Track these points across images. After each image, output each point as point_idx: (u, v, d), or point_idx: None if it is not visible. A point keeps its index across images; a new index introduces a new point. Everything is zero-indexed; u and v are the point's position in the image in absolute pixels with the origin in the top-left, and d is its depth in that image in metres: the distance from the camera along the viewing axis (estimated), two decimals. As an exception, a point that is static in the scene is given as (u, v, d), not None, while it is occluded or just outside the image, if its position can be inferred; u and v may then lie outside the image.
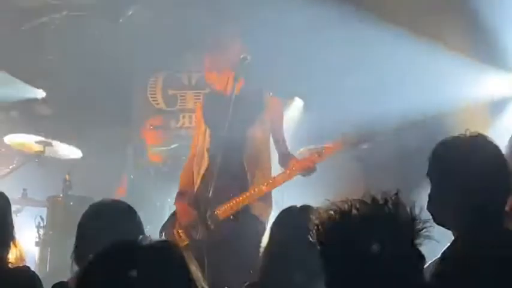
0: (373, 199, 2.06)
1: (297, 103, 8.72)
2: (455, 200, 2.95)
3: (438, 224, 3.03)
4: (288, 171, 5.58)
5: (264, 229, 5.27)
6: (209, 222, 5.23)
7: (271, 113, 5.79)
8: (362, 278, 2.01)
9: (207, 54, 5.97)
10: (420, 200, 2.37)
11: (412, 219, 2.04)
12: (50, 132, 8.48)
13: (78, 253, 3.42)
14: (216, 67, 5.81)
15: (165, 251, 2.00)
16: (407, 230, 2.04)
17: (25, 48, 9.04)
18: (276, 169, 5.82)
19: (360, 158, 7.52)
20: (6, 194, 3.96)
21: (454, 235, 2.98)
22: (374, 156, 7.38)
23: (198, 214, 5.40)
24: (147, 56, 9.15)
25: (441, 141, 3.09)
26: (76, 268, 3.35)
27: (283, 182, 5.58)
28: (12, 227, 3.64)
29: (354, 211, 2.05)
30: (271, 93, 5.90)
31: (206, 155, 5.71)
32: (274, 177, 5.62)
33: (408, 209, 2.05)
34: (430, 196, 3.05)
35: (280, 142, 5.81)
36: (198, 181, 5.72)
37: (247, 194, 5.54)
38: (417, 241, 2.05)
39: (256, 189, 5.55)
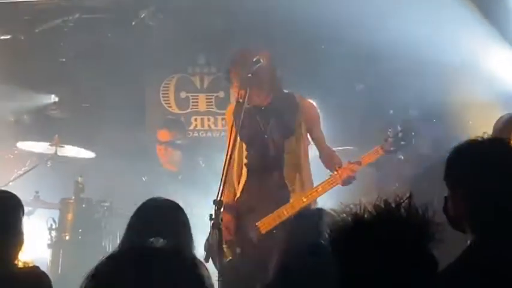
0: (386, 203, 2.05)
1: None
2: (472, 204, 2.93)
3: (454, 228, 3.02)
4: (329, 181, 5.55)
5: None
6: (251, 236, 5.16)
7: (306, 115, 5.72)
8: (375, 282, 1.99)
9: (235, 69, 5.73)
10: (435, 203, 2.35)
11: (425, 223, 2.03)
12: (62, 135, 8.50)
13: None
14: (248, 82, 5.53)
15: (176, 255, 1.99)
16: (420, 234, 2.02)
17: (38, 50, 9.04)
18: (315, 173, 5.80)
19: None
20: (19, 196, 3.96)
21: (470, 239, 2.96)
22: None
23: (239, 228, 5.33)
24: (160, 59, 9.14)
25: (458, 144, 3.06)
26: None
27: (323, 192, 5.55)
28: (22, 229, 3.63)
29: (367, 215, 2.04)
30: (303, 96, 5.85)
31: (245, 169, 5.65)
32: (314, 188, 5.58)
33: (421, 212, 2.04)
34: (446, 200, 3.03)
35: (320, 141, 5.76)
36: (238, 194, 5.68)
37: (288, 206, 5.49)
38: (430, 245, 2.03)
39: (297, 202, 5.49)
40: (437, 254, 2.08)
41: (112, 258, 2.00)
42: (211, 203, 4.63)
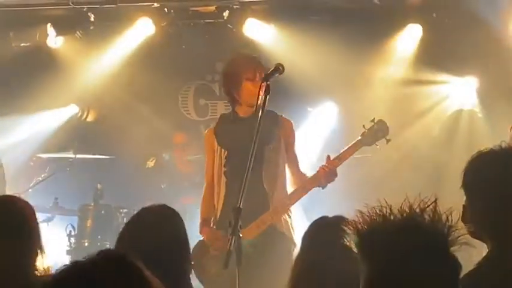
0: (411, 207, 2.05)
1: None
2: (490, 213, 2.92)
3: (473, 236, 3.00)
4: (310, 181, 5.52)
5: (295, 245, 5.21)
6: (236, 245, 5.11)
7: (285, 131, 5.72)
8: (401, 285, 1.99)
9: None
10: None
11: (449, 227, 2.02)
12: (82, 142, 8.54)
13: None
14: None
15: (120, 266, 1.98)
16: (443, 238, 2.02)
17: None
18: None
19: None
20: (38, 202, 3.98)
21: (488, 247, 2.95)
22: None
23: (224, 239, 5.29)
24: (179, 66, 9.16)
25: (477, 153, 3.05)
26: None
27: (306, 193, 5.52)
28: (39, 235, 3.63)
29: (394, 218, 2.04)
30: (282, 115, 5.84)
31: (224, 179, 5.63)
32: (296, 190, 5.55)
33: (445, 217, 2.04)
34: (464, 208, 3.01)
35: (294, 162, 5.73)
36: (220, 206, 5.67)
37: (272, 212, 5.47)
38: (453, 249, 2.03)
39: (281, 206, 5.48)
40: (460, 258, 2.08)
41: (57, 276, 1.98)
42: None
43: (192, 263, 5.55)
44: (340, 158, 5.56)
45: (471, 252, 2.06)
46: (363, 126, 5.67)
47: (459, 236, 2.03)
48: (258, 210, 5.45)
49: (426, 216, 2.03)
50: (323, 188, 5.55)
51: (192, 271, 5.57)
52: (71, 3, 8.37)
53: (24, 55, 8.86)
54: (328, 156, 5.58)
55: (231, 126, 5.60)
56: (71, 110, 9.33)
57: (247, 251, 5.17)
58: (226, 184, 5.58)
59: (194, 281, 5.59)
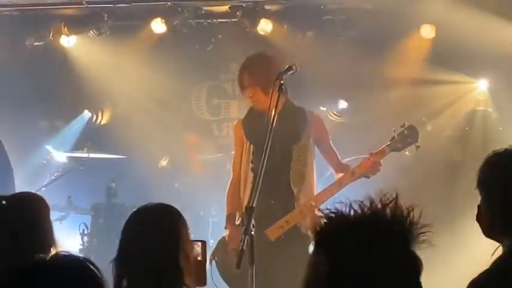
0: (372, 202, 2.04)
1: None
2: (505, 213, 2.91)
3: (487, 236, 2.99)
4: (337, 182, 5.52)
5: None
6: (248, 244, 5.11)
7: (314, 128, 5.71)
8: (359, 283, 1.98)
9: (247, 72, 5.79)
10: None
11: (410, 224, 2.01)
12: (95, 140, 8.56)
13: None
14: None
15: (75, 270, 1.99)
16: (405, 235, 2.01)
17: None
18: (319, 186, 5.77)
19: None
20: (51, 201, 3.98)
21: (503, 247, 2.93)
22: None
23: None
24: (192, 65, 9.17)
25: (492, 152, 3.05)
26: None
27: (332, 195, 5.49)
28: (52, 232, 3.64)
29: (353, 214, 2.03)
30: (312, 111, 5.84)
31: (251, 175, 5.63)
32: (323, 191, 5.55)
33: (406, 213, 2.02)
34: (479, 207, 3.00)
35: (332, 155, 5.73)
36: (246, 203, 5.63)
37: (297, 212, 5.45)
38: (414, 246, 2.02)
39: (305, 207, 5.46)
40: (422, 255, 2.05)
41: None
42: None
43: (215, 260, 5.61)
44: (375, 157, 5.53)
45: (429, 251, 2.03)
46: (393, 130, 5.58)
47: (420, 233, 2.01)
48: (283, 210, 5.44)
49: (388, 212, 2.01)
50: (368, 177, 5.52)
51: (216, 269, 5.62)
52: (84, 3, 8.39)
53: (38, 54, 8.90)
54: (371, 153, 5.56)
55: (259, 121, 5.50)
56: (85, 116, 9.36)
57: (269, 251, 5.17)
58: (253, 181, 5.56)
59: (218, 278, 5.60)
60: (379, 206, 2.00)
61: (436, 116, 8.33)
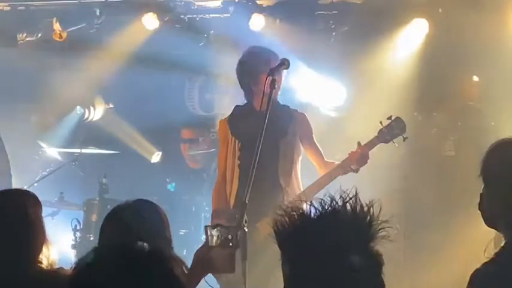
0: (332, 199, 2.04)
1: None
2: (508, 203, 2.91)
3: (488, 225, 3.00)
4: (327, 176, 5.52)
5: None
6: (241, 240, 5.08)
7: (299, 125, 5.72)
8: (317, 280, 1.98)
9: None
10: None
11: (370, 220, 2.01)
12: (87, 136, 8.55)
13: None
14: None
15: (154, 259, 1.99)
16: (364, 231, 2.01)
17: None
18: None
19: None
20: (43, 197, 3.97)
21: (504, 236, 2.94)
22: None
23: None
24: (186, 59, 9.15)
25: (496, 142, 3.06)
26: None
27: (321, 188, 5.50)
28: (44, 230, 3.63)
29: (313, 211, 2.03)
30: (297, 109, 5.84)
31: (237, 171, 5.63)
32: (313, 185, 5.56)
33: (366, 209, 2.02)
34: (481, 196, 3.01)
35: (317, 152, 5.74)
36: (232, 200, 5.65)
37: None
38: (374, 242, 2.02)
39: (296, 201, 5.46)
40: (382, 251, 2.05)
41: (91, 265, 1.98)
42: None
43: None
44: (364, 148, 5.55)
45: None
46: (380, 123, 5.64)
47: (380, 229, 2.00)
48: (273, 205, 5.42)
49: (348, 208, 2.01)
50: (356, 172, 5.53)
51: None
52: (76, -3, 8.38)
53: (30, 50, 8.86)
54: (359, 143, 5.57)
55: (246, 118, 5.57)
56: (77, 113, 9.33)
57: (260, 247, 5.16)
58: (240, 177, 5.58)
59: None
60: (340, 203, 2.01)
61: (428, 111, 8.34)
